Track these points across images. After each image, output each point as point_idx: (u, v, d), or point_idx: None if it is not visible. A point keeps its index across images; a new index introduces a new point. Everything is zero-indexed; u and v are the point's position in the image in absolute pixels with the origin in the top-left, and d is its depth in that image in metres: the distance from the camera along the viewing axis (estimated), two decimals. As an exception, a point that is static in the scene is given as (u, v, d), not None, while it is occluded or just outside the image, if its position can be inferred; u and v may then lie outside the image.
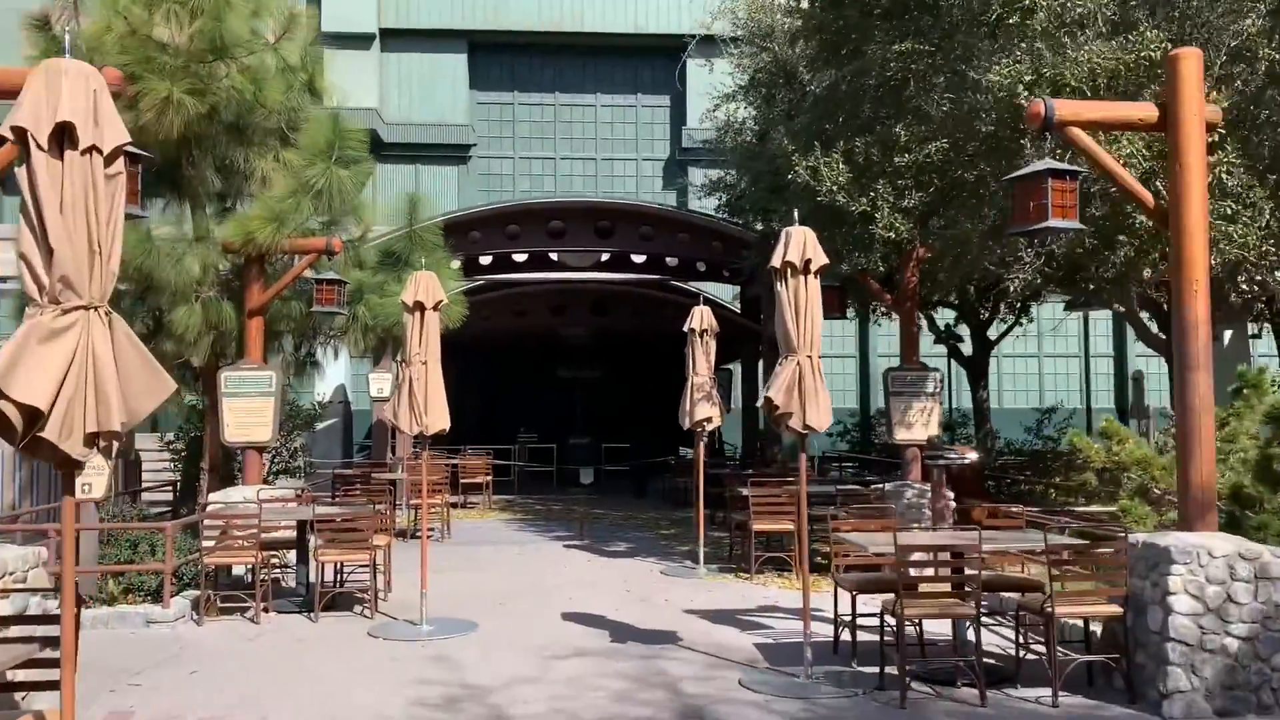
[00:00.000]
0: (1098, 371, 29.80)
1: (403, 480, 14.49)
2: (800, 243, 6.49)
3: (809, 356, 6.46)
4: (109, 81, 5.16)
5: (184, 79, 10.03)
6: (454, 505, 18.48)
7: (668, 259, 21.46)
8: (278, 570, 10.02)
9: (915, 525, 10.27)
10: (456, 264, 19.34)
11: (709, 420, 10.83)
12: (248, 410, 10.66)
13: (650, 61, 29.27)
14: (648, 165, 29.55)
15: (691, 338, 10.96)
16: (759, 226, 16.83)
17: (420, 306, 8.21)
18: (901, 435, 10.81)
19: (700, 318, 10.90)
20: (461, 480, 18.37)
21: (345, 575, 9.90)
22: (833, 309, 11.05)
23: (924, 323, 19.57)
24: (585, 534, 14.14)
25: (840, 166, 9.21)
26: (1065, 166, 6.11)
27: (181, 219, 11.16)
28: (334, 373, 21.34)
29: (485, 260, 21.36)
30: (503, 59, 29.29)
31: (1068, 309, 15.72)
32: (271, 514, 9.28)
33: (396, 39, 28.47)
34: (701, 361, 10.91)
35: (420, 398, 8.13)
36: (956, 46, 9.70)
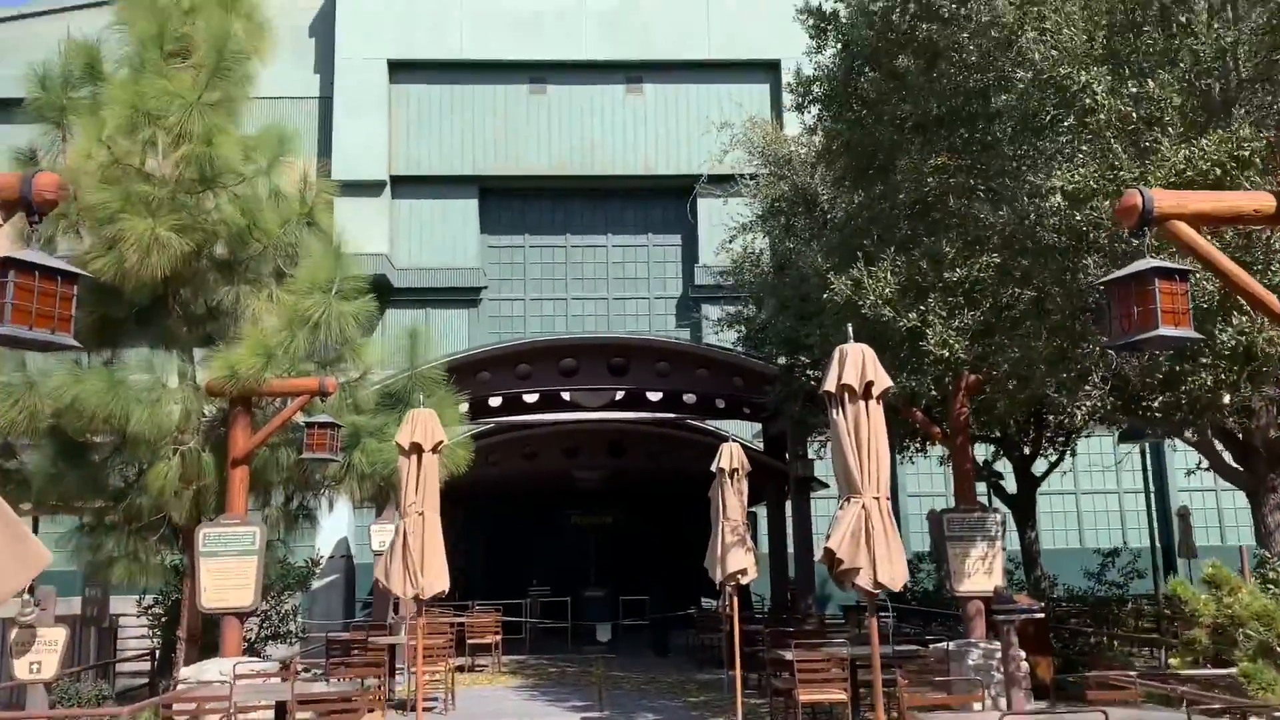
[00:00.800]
0: (1130, 509, 28.38)
1: (404, 644, 13.12)
2: (858, 362, 5.52)
3: (876, 498, 5.39)
4: (45, 188, 4.29)
5: (169, 214, 9.34)
6: (460, 669, 16.98)
7: (685, 396, 20.49)
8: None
9: (985, 690, 8.92)
10: (464, 407, 18.46)
11: (743, 572, 9.63)
12: (227, 572, 9.50)
13: (661, 201, 29.15)
14: (660, 303, 29.03)
15: (720, 478, 9.87)
16: (781, 360, 15.96)
17: (418, 449, 7.21)
18: (963, 586, 9.55)
19: (730, 456, 9.84)
20: (469, 640, 16.91)
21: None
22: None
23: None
24: (605, 704, 12.66)
25: (887, 278, 8.33)
26: (1174, 265, 5.16)
27: (164, 363, 10.30)
28: (334, 525, 20.15)
29: (494, 402, 20.43)
30: (513, 202, 29.21)
31: (1124, 440, 14.59)
32: (247, 693, 8.07)
33: (407, 185, 28.45)
34: (734, 504, 9.79)
35: (416, 554, 7.03)
36: (997, 159, 8.97)
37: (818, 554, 25.26)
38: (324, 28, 28.84)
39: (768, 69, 28.38)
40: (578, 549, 26.07)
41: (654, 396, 20.67)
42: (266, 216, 10.52)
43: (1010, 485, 17.03)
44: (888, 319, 8.50)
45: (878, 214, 9.74)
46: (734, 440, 10.56)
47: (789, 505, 19.47)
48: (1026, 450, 16.75)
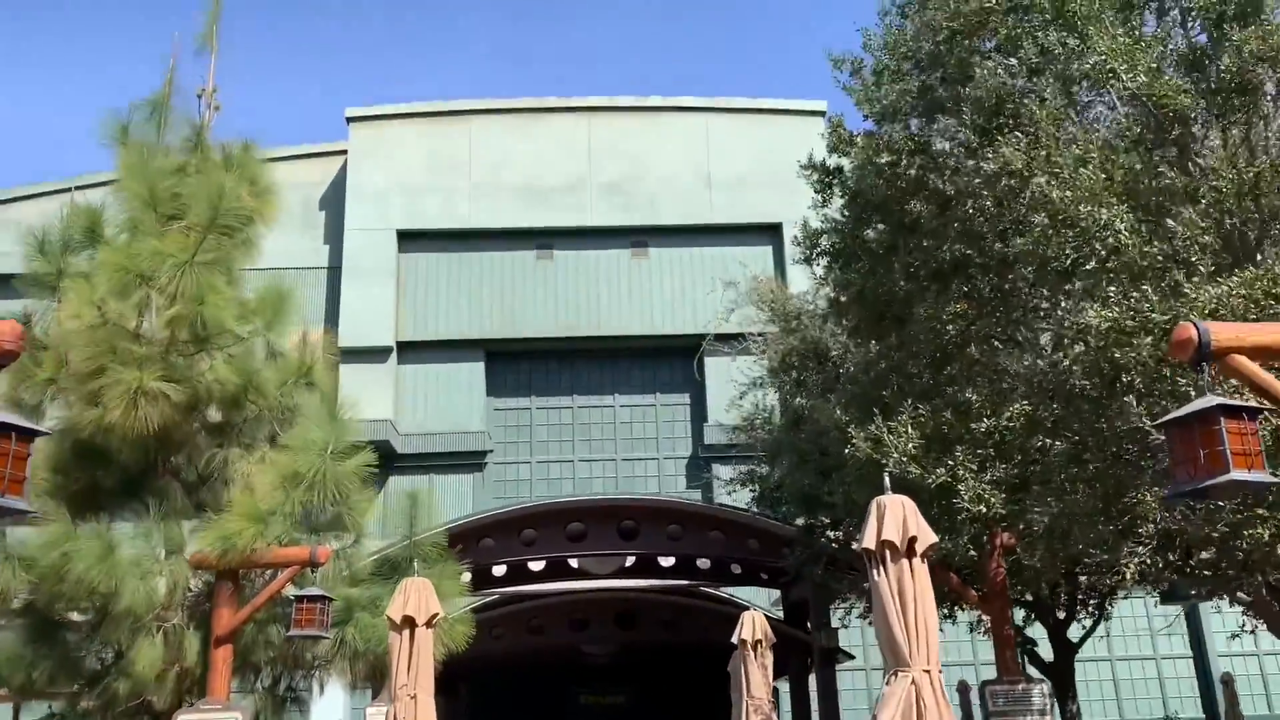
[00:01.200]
0: (1169, 675, 26.89)
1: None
2: (899, 516, 4.99)
3: (926, 671, 4.75)
4: (4, 337, 3.88)
5: (158, 368, 9.02)
6: None
7: (699, 561, 19.65)
8: None
9: None
10: (466, 576, 17.68)
11: (772, 756, 8.74)
12: (203, 764, 8.66)
13: (668, 361, 29.05)
14: (670, 464, 28.47)
15: (742, 651, 9.12)
16: (799, 521, 15.31)
17: (410, 623, 6.58)
18: (1016, 769, 8.65)
19: (753, 626, 9.12)
20: (469, 835, 15.55)
21: None
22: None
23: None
24: None
25: (909, 433, 7.86)
26: (1241, 403, 4.70)
27: (154, 533, 9.75)
28: (328, 709, 18.98)
29: (498, 570, 19.59)
30: (519, 365, 29.12)
31: (1165, 601, 13.74)
32: None
33: (413, 351, 28.45)
34: (758, 679, 9.00)
35: (407, 744, 6.29)
36: (1018, 305, 8.69)
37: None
38: (334, 199, 29.54)
39: (770, 231, 28.83)
40: (588, 727, 24.56)
41: (666, 562, 19.85)
42: (263, 377, 10.20)
43: (1045, 653, 16.01)
44: (914, 476, 7.98)
45: (895, 364, 9.38)
46: (755, 609, 9.85)
47: (812, 679, 18.34)
48: (1061, 614, 15.83)
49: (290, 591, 9.25)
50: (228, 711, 8.76)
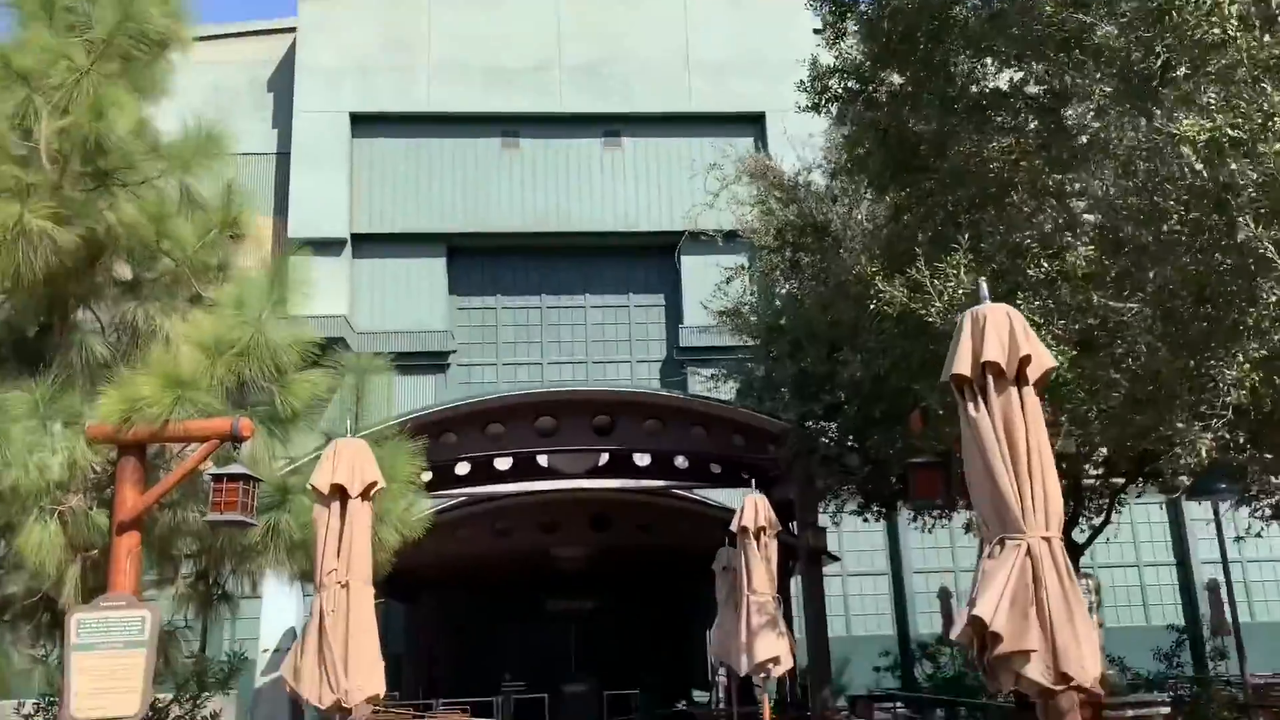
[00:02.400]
0: (1150, 583, 26.43)
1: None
2: (1003, 329, 3.61)
3: (1047, 539, 3.42)
4: None
5: (46, 203, 7.40)
6: (421, 780, 14.51)
7: (677, 460, 18.44)
8: None
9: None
10: (427, 476, 16.35)
11: (776, 661, 7.53)
12: (107, 670, 7.29)
13: (643, 259, 27.53)
14: (644, 367, 27.15)
15: (743, 540, 7.85)
16: (785, 417, 14.05)
17: (341, 494, 5.18)
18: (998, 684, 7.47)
19: (755, 511, 7.84)
20: (431, 746, 14.50)
21: None
22: (932, 492, 8.02)
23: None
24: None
25: (960, 276, 6.46)
26: None
27: (41, 401, 8.21)
28: (279, 612, 17.73)
29: (462, 469, 18.26)
30: (484, 262, 27.46)
31: (1191, 497, 12.66)
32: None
33: (369, 244, 26.66)
34: (760, 574, 7.75)
35: (337, 644, 4.94)
36: (1077, 137, 7.26)
37: (834, 632, 22.96)
38: (284, 80, 27.32)
39: (753, 122, 27.06)
40: (558, 638, 23.64)
41: (642, 461, 18.62)
42: (179, 225, 8.60)
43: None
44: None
45: (929, 210, 7.95)
46: (755, 494, 8.55)
47: (797, 583, 17.34)
48: (1067, 513, 14.82)
49: (208, 470, 7.81)
50: (134, 609, 7.36)
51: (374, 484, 5.21)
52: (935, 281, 6.51)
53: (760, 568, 7.73)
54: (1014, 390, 3.53)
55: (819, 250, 12.30)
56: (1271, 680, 11.73)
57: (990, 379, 3.54)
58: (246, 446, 8.21)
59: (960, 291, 6.43)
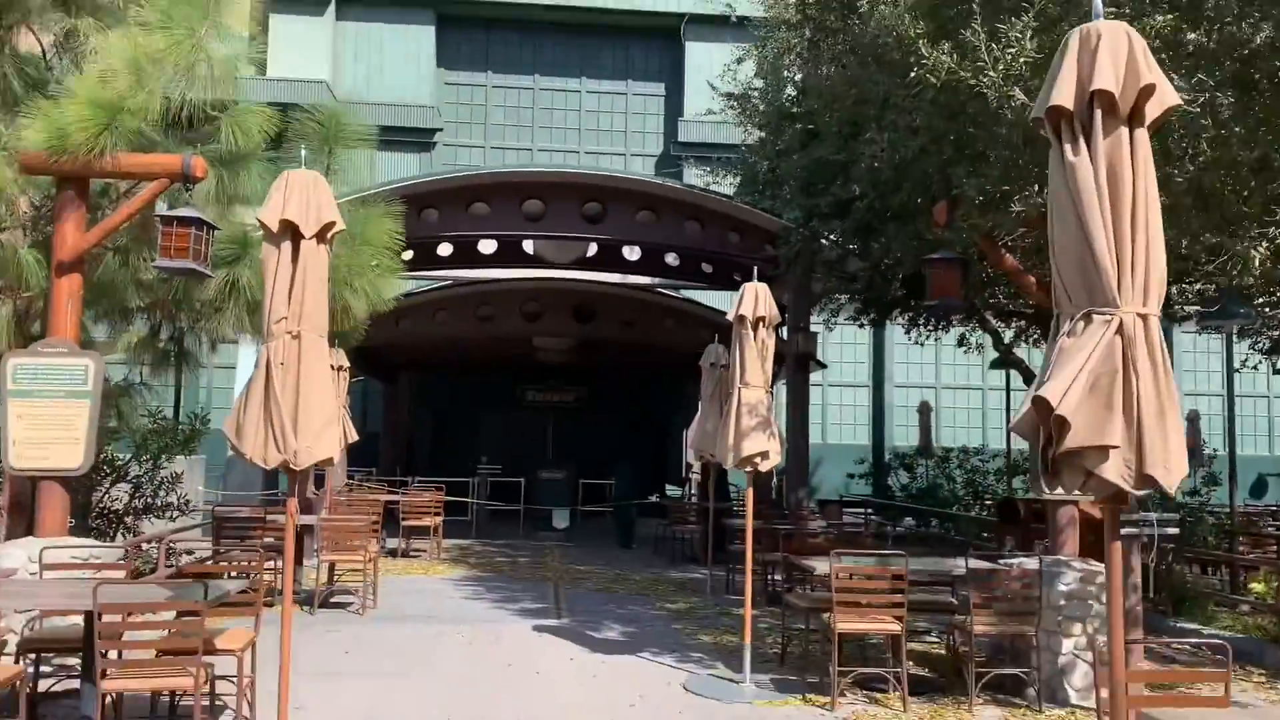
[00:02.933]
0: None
1: (320, 526, 10.57)
2: (1119, 52, 2.82)
3: (1143, 315, 2.77)
4: None
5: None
6: (393, 553, 14.58)
7: (668, 256, 17.74)
8: (66, 679, 6.14)
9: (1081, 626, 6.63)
10: (407, 254, 15.60)
11: (764, 456, 7.10)
12: (47, 419, 6.79)
13: (644, 43, 25.88)
14: (637, 162, 25.98)
15: (739, 331, 7.25)
16: (788, 216, 13.24)
17: (292, 233, 4.46)
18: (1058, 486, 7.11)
19: (757, 300, 7.20)
20: (404, 522, 14.49)
21: (177, 700, 6.00)
22: (951, 290, 7.39)
23: (980, 337, 16.06)
24: (563, 607, 10.30)
25: (1024, 43, 5.54)
26: None
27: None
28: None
29: (444, 250, 17.55)
30: (475, 34, 25.70)
31: (1206, 321, 12.11)
32: (57, 590, 5.54)
33: (355, 6, 24.83)
34: (755, 367, 7.20)
35: (285, 401, 4.35)
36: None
37: (817, 440, 22.94)
38: None
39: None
40: (535, 427, 23.64)
41: (631, 255, 17.90)
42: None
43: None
44: (1016, 106, 5.74)
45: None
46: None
47: (782, 388, 17.05)
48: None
49: (158, 212, 7.05)
50: (76, 357, 6.78)
51: (331, 225, 4.49)
52: (993, 45, 5.61)
53: (755, 361, 7.18)
54: (1125, 130, 2.81)
55: (844, 29, 11.08)
56: (1257, 511, 11.70)
57: (1098, 114, 2.81)
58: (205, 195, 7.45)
59: (1022, 60, 5.54)
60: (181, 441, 9.86)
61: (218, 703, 6.04)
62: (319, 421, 4.37)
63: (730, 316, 7.32)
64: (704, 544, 14.64)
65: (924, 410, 22.55)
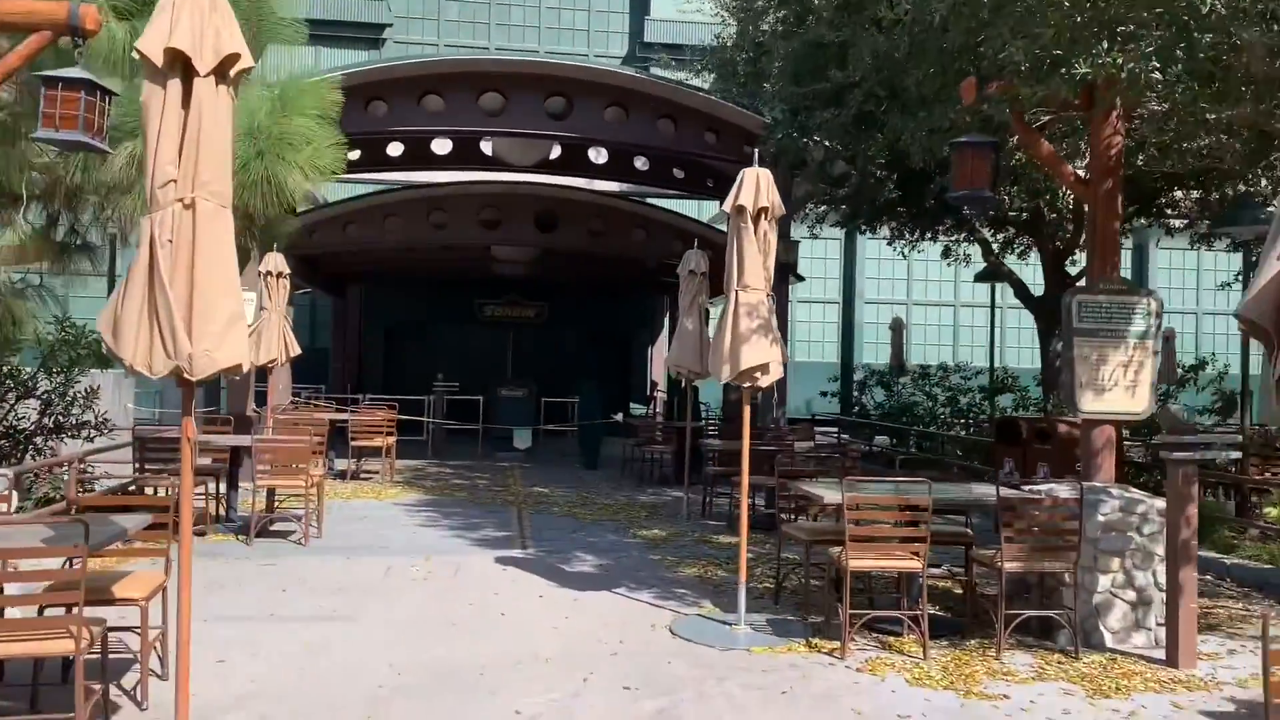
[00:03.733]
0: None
1: (256, 447, 9.51)
2: None
3: None
4: None
5: None
6: (342, 475, 13.61)
7: (637, 160, 16.60)
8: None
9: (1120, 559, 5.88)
10: (354, 154, 14.29)
11: (764, 369, 6.18)
12: (-89, 323, 5.65)
13: (609, -66, 24.20)
14: (601, 63, 24.45)
15: (737, 223, 6.26)
16: (766, 114, 12.15)
17: (183, 67, 3.35)
18: (1092, 405, 6.27)
19: (758, 187, 6.19)
20: (353, 442, 13.48)
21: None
22: (979, 179, 6.44)
23: (965, 246, 15.24)
24: (528, 536, 9.43)
25: None
26: None
27: None
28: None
29: (395, 150, 16.23)
30: (428, -80, 23.84)
31: (1218, 227, 11.33)
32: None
33: (294, -116, 22.79)
34: (754, 266, 6.23)
35: (175, 292, 3.30)
36: None
37: (803, 356, 22.18)
38: None
39: None
40: (494, 344, 22.58)
41: (598, 158, 16.73)
42: None
43: (1035, 286, 13.96)
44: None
45: None
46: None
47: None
48: (1060, 244, 13.54)
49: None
50: (-60, 248, 5.61)
51: (235, 59, 3.39)
52: None
53: (756, 259, 6.19)
54: None
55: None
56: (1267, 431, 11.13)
57: None
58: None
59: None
60: (96, 352, 8.71)
61: (124, 659, 5.09)
62: (220, 319, 3.33)
63: (726, 206, 6.30)
64: (678, 465, 13.87)
65: (896, 327, 21.81)
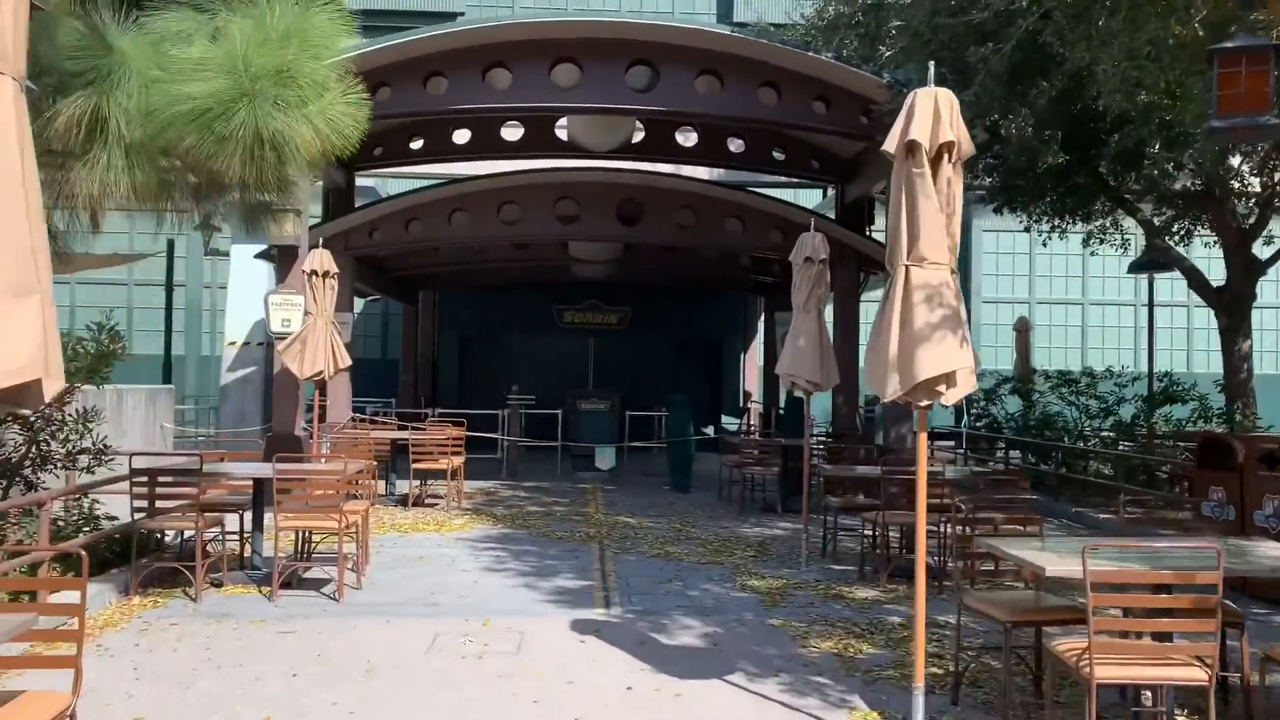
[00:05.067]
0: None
1: (275, 482, 7.89)
2: None
3: None
4: None
5: None
6: (403, 502, 12.03)
7: (731, 142, 14.74)
8: None
9: None
10: (417, 143, 12.74)
11: (947, 382, 4.25)
12: None
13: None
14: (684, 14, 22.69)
15: (906, 169, 4.34)
16: (888, 75, 10.19)
17: None
18: None
19: (936, 115, 4.27)
20: (415, 464, 11.87)
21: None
22: (1257, 102, 4.42)
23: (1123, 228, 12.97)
24: (613, 589, 7.60)
25: None
26: None
27: None
28: (249, 298, 14.77)
29: (460, 137, 14.68)
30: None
31: None
32: None
33: None
34: (934, 230, 4.31)
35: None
36: None
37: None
38: None
39: None
40: (575, 348, 20.92)
41: (686, 141, 14.94)
42: None
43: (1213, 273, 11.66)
44: None
45: None
46: (936, 91, 5.06)
47: (883, 297, 14.09)
48: (1243, 223, 11.24)
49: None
50: None
51: None
52: None
53: (936, 221, 4.29)
54: None
55: None
56: None
57: None
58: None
59: None
60: (88, 366, 7.18)
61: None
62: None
63: (889, 146, 4.39)
64: (784, 490, 11.94)
65: (1022, 328, 19.40)
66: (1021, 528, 5.55)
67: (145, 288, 21.96)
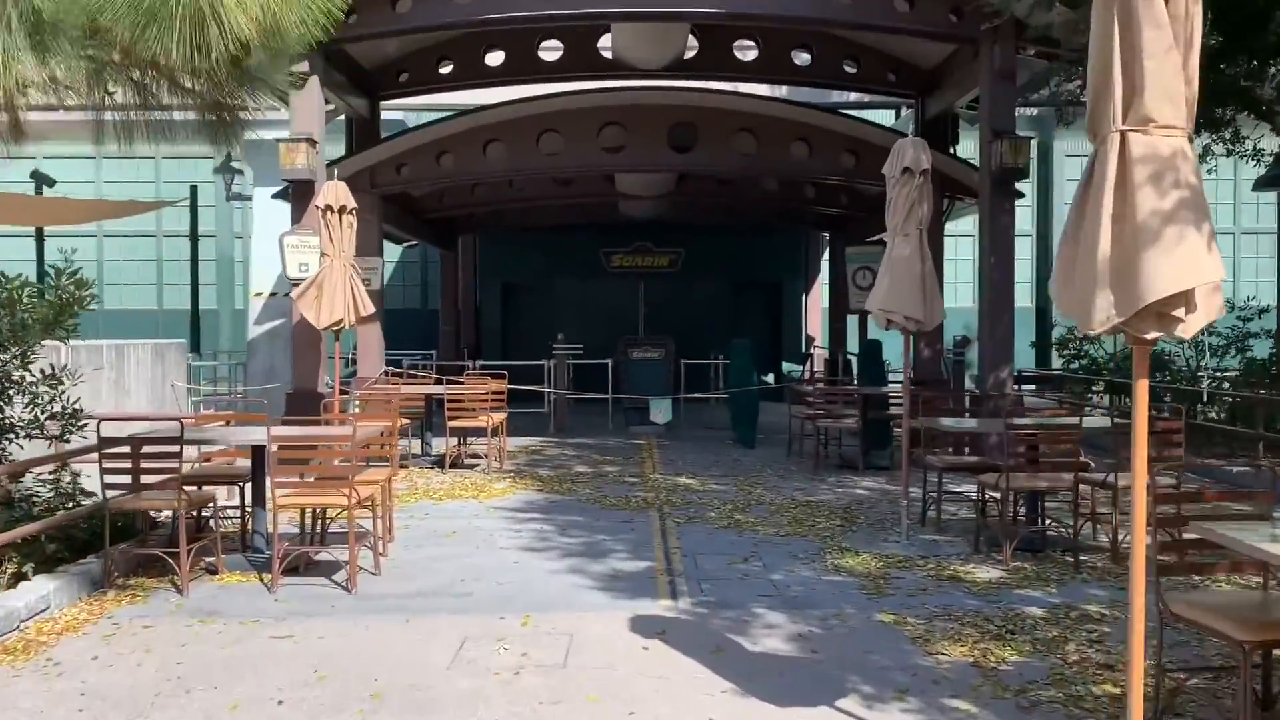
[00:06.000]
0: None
1: (271, 450, 6.70)
2: None
3: None
4: None
5: None
6: (440, 463, 10.88)
7: (797, 55, 13.16)
8: None
9: None
10: (446, 68, 11.38)
11: (1186, 304, 2.83)
12: None
13: None
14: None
15: (1133, 3, 2.87)
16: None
17: None
18: None
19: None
20: (451, 422, 10.68)
21: None
22: None
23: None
24: (678, 573, 6.33)
25: None
26: None
27: None
28: (272, 226, 13.59)
29: (493, 59, 13.28)
30: None
31: None
32: None
33: None
34: (1161, 74, 2.87)
35: None
36: None
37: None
38: None
39: None
40: (623, 296, 19.58)
41: (745, 54, 13.37)
42: None
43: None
44: None
45: None
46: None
47: (968, 222, 12.49)
48: None
49: None
50: None
51: None
52: None
53: (1165, 63, 2.87)
54: None
55: None
56: None
57: None
58: None
59: None
60: (46, 319, 6.00)
61: None
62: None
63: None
64: (866, 443, 10.61)
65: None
66: (1228, 504, 4.16)
67: (173, 239, 21.02)
